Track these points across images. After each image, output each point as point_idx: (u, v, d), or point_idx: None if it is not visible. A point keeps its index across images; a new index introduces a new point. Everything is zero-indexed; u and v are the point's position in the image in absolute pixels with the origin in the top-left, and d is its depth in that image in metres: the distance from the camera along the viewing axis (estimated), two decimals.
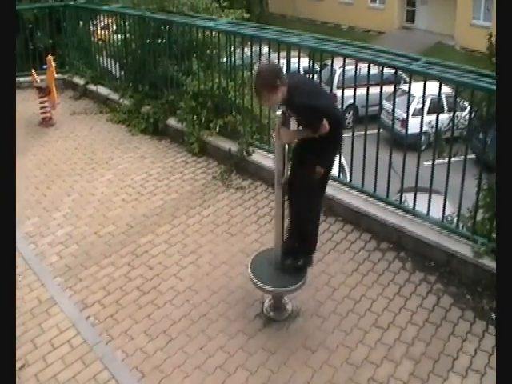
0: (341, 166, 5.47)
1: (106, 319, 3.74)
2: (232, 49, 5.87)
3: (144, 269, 4.21)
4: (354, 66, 4.67)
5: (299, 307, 3.76)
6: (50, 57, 7.20)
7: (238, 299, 3.86)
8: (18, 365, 3.38)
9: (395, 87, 4.87)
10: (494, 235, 3.90)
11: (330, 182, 4.90)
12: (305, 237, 3.69)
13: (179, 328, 3.63)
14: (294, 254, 3.67)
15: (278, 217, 3.68)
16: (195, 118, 5.99)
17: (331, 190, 4.83)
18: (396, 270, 4.14)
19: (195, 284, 4.02)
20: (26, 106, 7.82)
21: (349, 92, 4.81)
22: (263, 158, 5.41)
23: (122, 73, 8.00)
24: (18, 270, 4.26)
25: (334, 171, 5.21)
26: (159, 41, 6.96)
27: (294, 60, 5.11)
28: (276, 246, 3.71)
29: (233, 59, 5.93)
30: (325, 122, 3.31)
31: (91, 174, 5.74)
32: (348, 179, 5.33)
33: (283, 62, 5.29)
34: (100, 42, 8.78)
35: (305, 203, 3.55)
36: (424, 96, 4.39)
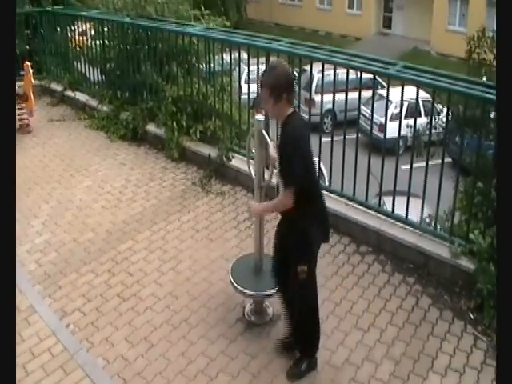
0: (319, 170, 5.52)
1: (86, 327, 3.71)
2: (211, 55, 5.89)
3: (124, 275, 4.19)
4: (332, 72, 4.73)
5: (280, 311, 3.77)
6: (27, 63, 7.15)
7: (218, 304, 3.86)
8: None
9: (373, 92, 4.94)
10: (471, 236, 3.98)
11: None
12: (304, 339, 3.35)
13: (160, 334, 3.62)
14: (296, 361, 3.36)
15: (257, 222, 3.70)
16: (175, 123, 5.98)
17: None
18: (376, 272, 4.18)
19: (175, 290, 4.01)
20: None
21: (327, 97, 4.87)
22: (243, 164, 5.41)
23: (101, 79, 7.96)
24: None
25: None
26: (138, 47, 6.94)
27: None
28: (256, 250, 3.73)
29: (212, 65, 5.96)
30: (290, 194, 2.96)
31: (70, 180, 5.69)
32: (327, 183, 5.38)
33: (262, 67, 5.34)
34: (78, 48, 8.74)
35: (300, 305, 3.23)
36: (402, 100, 4.46)
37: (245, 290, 3.60)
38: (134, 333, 3.64)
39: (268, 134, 3.57)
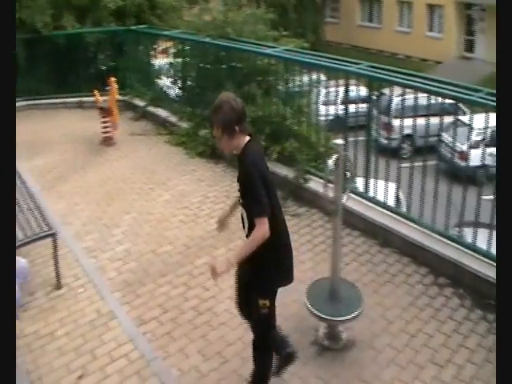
0: (397, 197, 5.45)
1: (162, 336, 3.82)
2: (290, 76, 5.98)
3: (200, 290, 4.29)
4: (411, 96, 4.68)
5: (354, 338, 3.73)
6: (112, 79, 7.53)
7: (292, 326, 3.86)
8: (77, 374, 3.50)
9: (455, 118, 4.83)
10: None
11: (387, 213, 4.92)
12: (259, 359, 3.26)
13: (233, 350, 3.67)
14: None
15: (334, 246, 3.70)
16: None
17: (387, 220, 4.83)
18: (454, 306, 4.05)
19: None
20: (88, 125, 8.19)
21: (406, 122, 4.83)
22: (320, 186, 5.42)
23: (181, 96, 8.26)
24: (79, 283, 4.44)
25: (390, 201, 5.24)
26: (218, 66, 7.16)
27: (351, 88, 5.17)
28: (332, 274, 3.72)
29: (290, 86, 6.04)
30: (265, 223, 2.80)
31: (149, 193, 5.92)
32: (404, 210, 5.28)
33: (341, 90, 5.37)
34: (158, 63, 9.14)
35: (261, 331, 3.19)
36: (485, 128, 4.34)
37: (320, 314, 3.59)
38: (207, 347, 3.71)
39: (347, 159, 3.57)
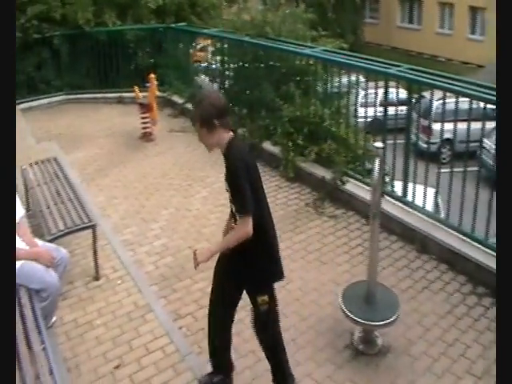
0: (436, 202, 5.38)
1: (197, 332, 3.86)
2: (328, 77, 5.96)
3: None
4: (452, 100, 4.60)
5: (390, 343, 3.70)
6: (152, 75, 7.63)
7: (326, 328, 3.86)
8: (114, 364, 3.58)
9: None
10: None
11: (425, 218, 4.86)
12: (278, 367, 3.27)
13: None
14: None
15: (372, 250, 3.68)
16: (290, 143, 6.11)
17: (426, 226, 4.76)
18: (493, 317, 3.96)
19: (284, 308, 4.02)
20: (128, 120, 8.32)
21: (446, 126, 4.75)
22: (357, 189, 5.41)
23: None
24: (117, 274, 4.53)
25: (428, 207, 5.16)
26: (257, 65, 7.18)
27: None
28: (369, 278, 3.70)
29: (329, 87, 6.02)
30: (249, 222, 2.77)
31: (187, 190, 5.99)
32: (443, 216, 5.20)
33: (380, 91, 5.32)
34: (197, 63, 9.22)
35: (264, 335, 3.21)
36: None
37: (355, 318, 3.57)
38: (242, 345, 3.72)
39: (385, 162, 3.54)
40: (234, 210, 2.95)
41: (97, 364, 3.59)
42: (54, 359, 2.94)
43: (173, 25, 9.66)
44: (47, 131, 8.20)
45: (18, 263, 3.49)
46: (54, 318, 3.89)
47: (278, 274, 3.14)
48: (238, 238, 2.84)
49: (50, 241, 4.07)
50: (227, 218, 3.28)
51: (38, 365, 2.82)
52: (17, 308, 3.27)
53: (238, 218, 2.86)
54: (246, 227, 2.79)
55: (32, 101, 9.58)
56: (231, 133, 2.91)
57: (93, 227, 4.42)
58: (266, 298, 3.04)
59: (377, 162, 3.48)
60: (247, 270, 3.01)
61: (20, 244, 3.64)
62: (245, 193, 2.78)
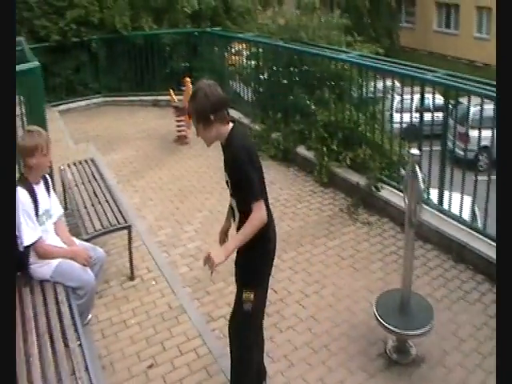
0: (473, 211, 5.27)
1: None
2: (364, 82, 5.92)
3: (268, 291, 4.30)
4: (491, 106, 4.50)
5: (424, 354, 3.65)
6: (187, 78, 7.69)
7: (359, 335, 3.83)
8: (147, 363, 3.63)
9: None
10: None
11: (462, 227, 4.77)
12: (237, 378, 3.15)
13: (300, 355, 3.67)
14: None
15: (406, 258, 3.63)
16: (325, 148, 6.09)
17: (462, 235, 4.68)
18: None
19: (317, 314, 4.05)
20: (163, 123, 8.44)
21: (484, 133, 4.66)
22: (392, 195, 5.36)
23: (254, 98, 8.36)
24: (151, 275, 4.59)
25: (465, 215, 5.06)
26: (291, 69, 7.20)
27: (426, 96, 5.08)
28: (403, 286, 3.65)
29: (364, 92, 5.98)
30: (261, 206, 2.68)
31: (221, 193, 6.03)
32: (480, 225, 5.10)
33: (416, 97, 5.26)
34: (232, 67, 9.30)
35: (241, 342, 3.05)
36: None
37: (389, 326, 3.52)
38: (274, 349, 3.73)
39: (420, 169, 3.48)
40: (235, 205, 2.87)
41: (130, 363, 3.64)
42: (90, 356, 3.00)
43: (208, 29, 9.77)
44: (85, 132, 8.40)
45: (56, 261, 3.59)
46: (90, 316, 3.97)
47: (270, 266, 3.03)
48: (255, 226, 2.68)
49: (87, 240, 4.17)
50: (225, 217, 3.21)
51: (73, 361, 2.88)
52: (54, 305, 3.37)
53: (251, 206, 2.70)
54: (261, 213, 2.69)
55: (70, 103, 9.83)
56: (231, 124, 2.80)
57: (128, 228, 4.50)
58: (251, 295, 2.87)
59: (411, 168, 3.43)
60: (243, 259, 2.91)
61: (58, 242, 3.74)
62: (253, 180, 2.69)
